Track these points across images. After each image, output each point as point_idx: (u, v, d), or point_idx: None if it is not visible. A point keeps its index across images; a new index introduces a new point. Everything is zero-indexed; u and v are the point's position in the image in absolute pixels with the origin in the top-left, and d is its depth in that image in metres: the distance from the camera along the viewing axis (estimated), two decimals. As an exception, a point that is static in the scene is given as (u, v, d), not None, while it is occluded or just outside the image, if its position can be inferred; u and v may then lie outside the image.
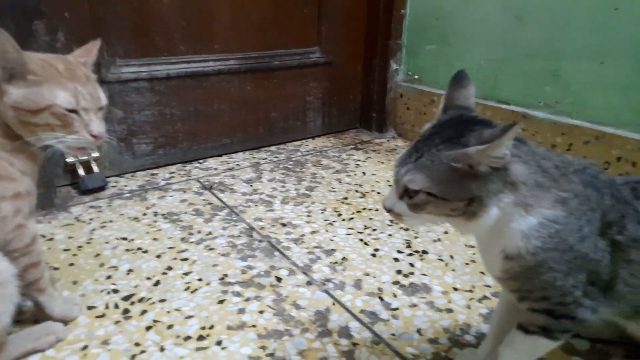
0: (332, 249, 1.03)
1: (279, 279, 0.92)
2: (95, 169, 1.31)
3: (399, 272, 0.95)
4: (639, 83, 1.12)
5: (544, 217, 0.53)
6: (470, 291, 0.90)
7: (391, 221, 1.15)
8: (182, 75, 1.44)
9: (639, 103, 1.13)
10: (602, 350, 0.75)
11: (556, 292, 0.55)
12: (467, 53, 1.54)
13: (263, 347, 0.74)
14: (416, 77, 1.74)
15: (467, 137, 0.52)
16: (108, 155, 1.37)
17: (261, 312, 0.83)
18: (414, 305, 0.85)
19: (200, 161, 1.55)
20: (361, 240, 1.07)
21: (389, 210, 0.58)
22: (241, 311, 0.83)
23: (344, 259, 1.00)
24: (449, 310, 0.84)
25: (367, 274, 0.94)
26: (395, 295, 0.88)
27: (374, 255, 1.01)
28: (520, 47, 1.38)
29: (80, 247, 1.02)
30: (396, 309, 0.84)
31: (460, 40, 1.56)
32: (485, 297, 0.88)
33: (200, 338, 0.76)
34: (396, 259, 1.00)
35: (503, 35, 1.42)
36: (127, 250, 1.01)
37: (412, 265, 0.98)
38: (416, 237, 1.09)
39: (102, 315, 0.81)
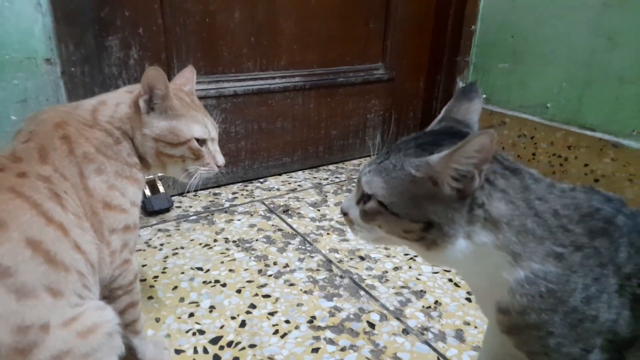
0: (421, 290, 0.96)
1: (371, 325, 0.86)
2: (161, 188, 1.27)
3: (499, 320, 0.88)
4: None
5: (531, 272, 0.46)
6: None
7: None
8: (248, 92, 1.39)
9: None
10: None
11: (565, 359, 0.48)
12: (545, 73, 1.44)
13: (374, 412, 0.68)
14: (485, 96, 1.65)
15: (442, 147, 0.46)
16: (172, 173, 1.33)
17: (361, 365, 0.76)
18: (530, 365, 0.77)
19: (261, 180, 1.50)
20: (450, 280, 1.00)
21: (344, 214, 0.53)
22: (340, 364, 0.76)
23: (436, 302, 0.93)
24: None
25: (467, 323, 0.87)
26: (503, 350, 0.80)
27: (468, 299, 0.94)
28: (610, 70, 1.28)
29: (156, 277, 0.97)
30: (510, 368, 0.76)
31: (536, 59, 1.47)
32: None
33: (303, 396, 0.70)
34: (492, 304, 0.92)
35: (589, 56, 1.32)
36: (204, 282, 0.96)
37: (511, 312, 0.90)
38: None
39: (192, 362, 0.76)
